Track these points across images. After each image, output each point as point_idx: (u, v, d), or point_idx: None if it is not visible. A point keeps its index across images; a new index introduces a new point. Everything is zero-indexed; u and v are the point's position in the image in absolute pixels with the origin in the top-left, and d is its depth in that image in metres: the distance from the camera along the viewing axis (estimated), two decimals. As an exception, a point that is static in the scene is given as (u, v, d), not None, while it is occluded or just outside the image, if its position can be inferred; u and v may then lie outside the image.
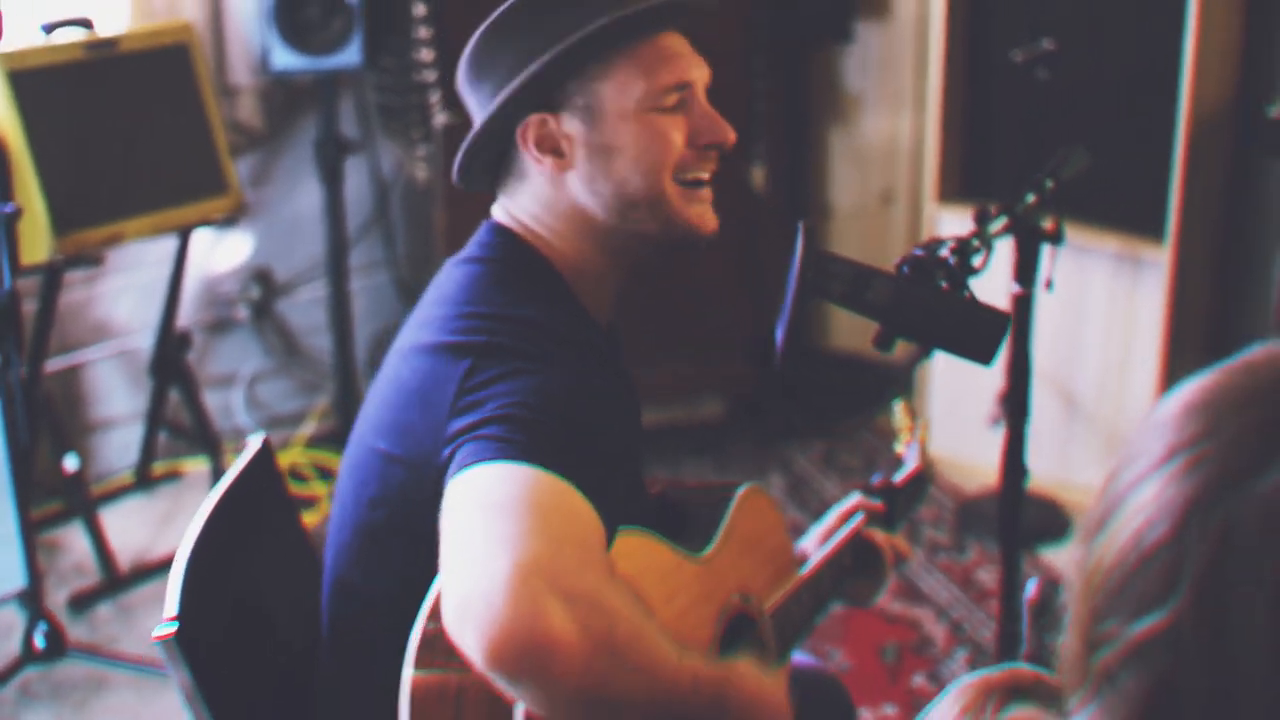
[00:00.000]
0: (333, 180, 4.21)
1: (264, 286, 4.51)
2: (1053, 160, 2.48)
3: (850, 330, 4.78)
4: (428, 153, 4.13)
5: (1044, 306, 3.96)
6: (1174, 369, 3.88)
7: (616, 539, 1.62)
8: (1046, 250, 2.46)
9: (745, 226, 4.24)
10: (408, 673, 1.54)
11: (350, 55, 4.03)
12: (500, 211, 1.88)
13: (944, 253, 1.94)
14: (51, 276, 3.64)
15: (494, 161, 1.87)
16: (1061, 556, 3.93)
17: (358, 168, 4.40)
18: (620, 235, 1.83)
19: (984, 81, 4.11)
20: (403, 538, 1.71)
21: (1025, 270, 2.44)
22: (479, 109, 1.84)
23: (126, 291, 4.23)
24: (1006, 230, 2.28)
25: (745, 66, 4.19)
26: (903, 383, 4.43)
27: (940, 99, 4.10)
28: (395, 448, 1.72)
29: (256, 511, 2.08)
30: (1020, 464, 2.68)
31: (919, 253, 1.95)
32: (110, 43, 3.63)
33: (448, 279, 1.83)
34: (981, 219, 2.19)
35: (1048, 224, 2.39)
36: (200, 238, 4.22)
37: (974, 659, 3.50)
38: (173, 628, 1.73)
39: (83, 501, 3.80)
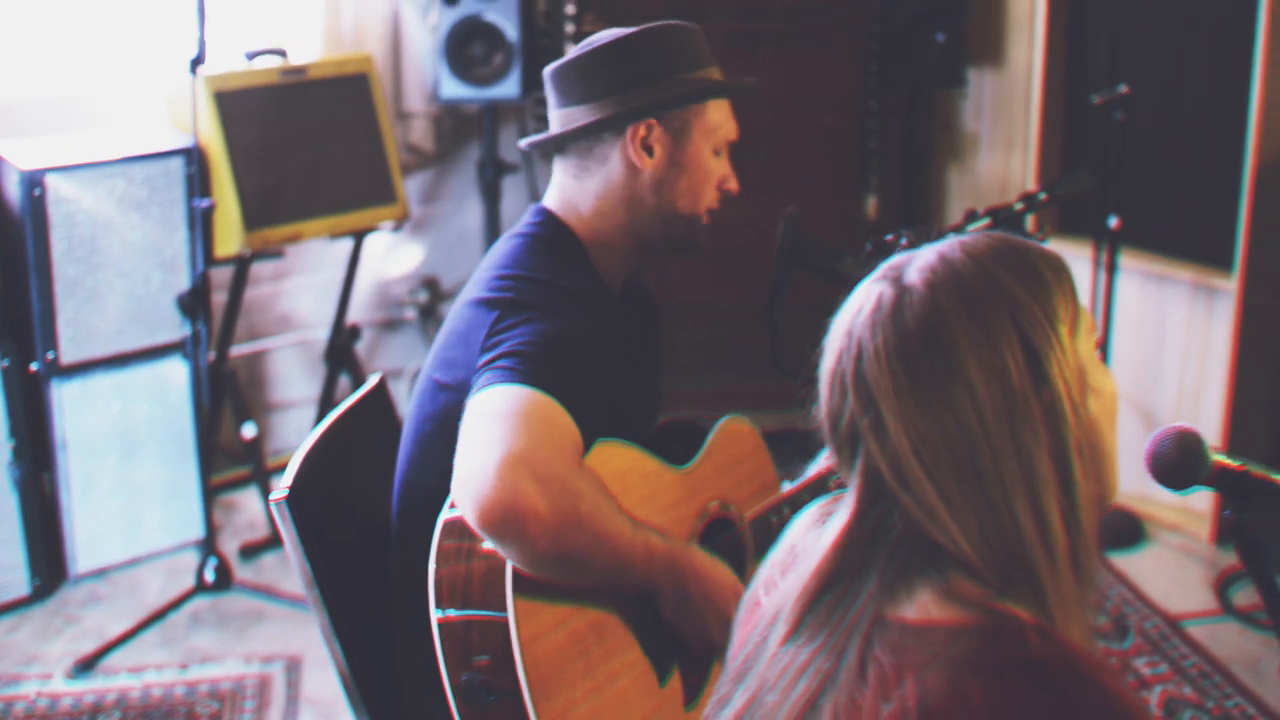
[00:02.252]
0: (492, 198, 4.76)
1: (431, 292, 5.07)
2: (1056, 178, 2.87)
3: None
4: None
5: (1126, 331, 4.32)
6: (1241, 392, 4.18)
7: (606, 446, 2.11)
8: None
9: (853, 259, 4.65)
10: (436, 543, 2.04)
11: (510, 87, 4.58)
12: (551, 196, 2.36)
13: (904, 240, 2.36)
14: (241, 267, 4.24)
15: (576, 145, 2.34)
16: (1134, 563, 4.25)
17: (516, 187, 4.94)
18: (653, 227, 2.33)
19: (1080, 124, 4.47)
20: (444, 444, 2.17)
21: None
22: (570, 101, 2.32)
23: (308, 290, 4.83)
24: (988, 229, 2.67)
25: (861, 108, 4.62)
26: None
27: (1038, 140, 4.48)
28: (445, 377, 2.23)
29: (368, 428, 2.59)
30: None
31: (888, 237, 2.38)
32: (301, 70, 4.23)
33: (498, 249, 2.34)
34: (968, 219, 2.61)
35: (1031, 225, 2.75)
36: (375, 245, 4.80)
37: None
38: (285, 493, 2.24)
39: (258, 465, 4.38)
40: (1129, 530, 4.36)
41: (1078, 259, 4.37)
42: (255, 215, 4.07)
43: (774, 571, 1.54)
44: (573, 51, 2.34)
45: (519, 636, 1.96)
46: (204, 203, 3.84)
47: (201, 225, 3.87)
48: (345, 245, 4.53)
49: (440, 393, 2.24)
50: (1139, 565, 4.23)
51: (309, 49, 4.59)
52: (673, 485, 2.24)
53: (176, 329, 4.06)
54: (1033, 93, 4.51)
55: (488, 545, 1.99)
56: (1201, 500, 4.32)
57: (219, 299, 4.32)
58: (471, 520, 1.95)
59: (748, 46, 4.53)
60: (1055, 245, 4.40)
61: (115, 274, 4.02)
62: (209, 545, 4.06)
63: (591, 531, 1.97)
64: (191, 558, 4.17)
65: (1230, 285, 4.12)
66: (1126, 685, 1.32)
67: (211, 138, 4.02)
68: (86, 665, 3.73)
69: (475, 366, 2.12)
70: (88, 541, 4.14)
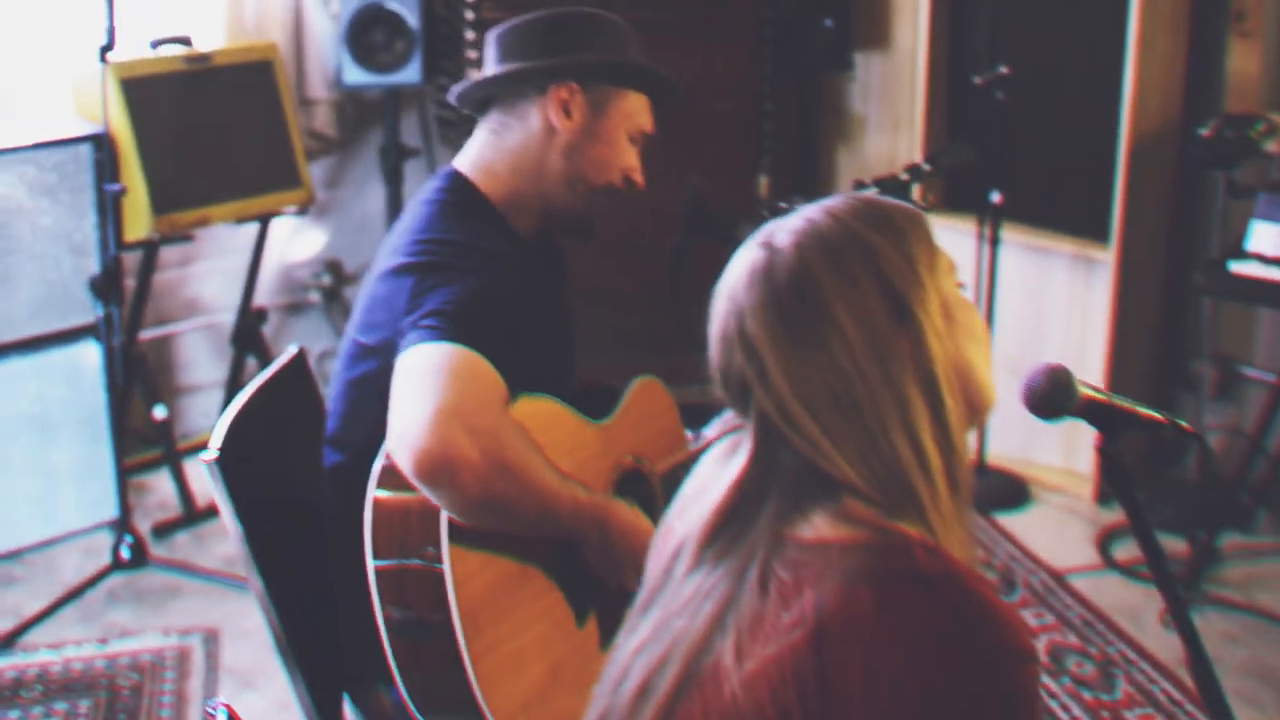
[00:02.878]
0: (394, 183, 4.86)
1: (335, 275, 5.17)
2: (938, 150, 3.04)
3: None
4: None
5: (1011, 301, 4.52)
6: (1119, 358, 4.40)
7: (531, 400, 2.24)
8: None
9: (750, 226, 4.83)
10: (372, 489, 2.16)
11: (411, 73, 4.68)
12: (464, 155, 2.48)
13: (796, 208, 2.52)
14: (149, 252, 4.31)
15: (494, 99, 2.47)
16: (1020, 522, 4.45)
17: (418, 172, 5.05)
18: (558, 192, 2.45)
19: (963, 104, 4.66)
20: (373, 402, 2.27)
21: None
22: (509, 59, 2.44)
23: (215, 274, 4.90)
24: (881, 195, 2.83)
25: (755, 92, 4.78)
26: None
27: (923, 120, 4.67)
28: (369, 339, 2.34)
29: (290, 396, 2.70)
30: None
31: (781, 204, 2.54)
32: (206, 57, 4.31)
33: (410, 214, 2.44)
34: (856, 188, 2.77)
35: (916, 194, 2.92)
36: (279, 229, 4.88)
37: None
38: (215, 454, 2.34)
39: (169, 446, 4.45)
40: (1014, 492, 4.57)
41: (963, 234, 4.56)
42: (163, 200, 4.15)
43: (681, 507, 1.67)
44: (521, 18, 2.48)
45: (453, 577, 2.08)
46: (114, 187, 3.91)
47: (111, 210, 3.94)
48: (251, 230, 4.60)
49: (366, 354, 2.35)
50: (1025, 524, 4.44)
51: (213, 37, 4.66)
52: (591, 439, 2.38)
53: (88, 312, 4.11)
54: (917, 75, 4.69)
55: (422, 493, 2.11)
56: (1084, 462, 4.54)
57: (128, 283, 4.38)
58: (407, 471, 2.07)
59: (645, 36, 4.66)
60: (942, 220, 4.62)
61: (27, 258, 4.07)
62: (124, 524, 4.13)
63: (520, 480, 2.10)
64: (106, 537, 4.23)
65: (1107, 257, 4.33)
66: (1008, 604, 1.48)
67: (119, 124, 4.09)
68: (6, 643, 3.79)
69: (400, 328, 2.24)
70: (3, 523, 4.18)
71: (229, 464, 2.37)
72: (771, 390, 1.49)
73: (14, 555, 4.22)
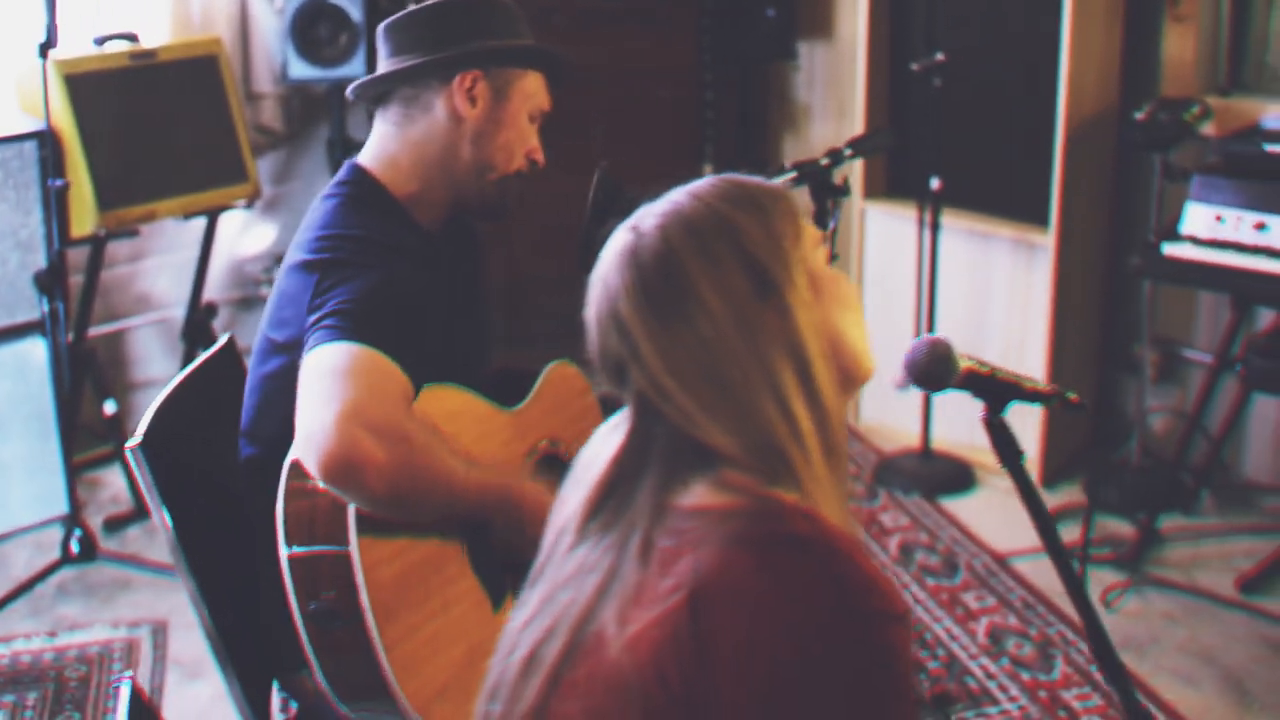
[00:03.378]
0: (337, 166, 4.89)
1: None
2: (861, 136, 3.08)
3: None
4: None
5: (954, 287, 4.56)
6: (1060, 342, 4.44)
7: (437, 390, 2.27)
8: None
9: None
10: (284, 480, 2.19)
11: (355, 66, 4.71)
12: (366, 150, 2.50)
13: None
14: (97, 247, 4.33)
15: (401, 94, 2.48)
16: (965, 506, 4.50)
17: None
18: (467, 180, 2.48)
19: (904, 93, 4.70)
20: (284, 397, 2.28)
21: (820, 217, 2.99)
22: (403, 52, 2.47)
23: (165, 270, 4.93)
24: (796, 181, 2.86)
25: (697, 80, 4.82)
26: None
27: (864, 108, 4.71)
28: (279, 335, 2.37)
29: (219, 384, 2.73)
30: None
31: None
32: (151, 53, 4.33)
33: (314, 210, 2.46)
34: (776, 172, 2.80)
35: (838, 180, 2.94)
36: (228, 224, 4.90)
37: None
38: (138, 440, 2.38)
39: (120, 442, 4.46)
40: (960, 476, 4.61)
41: (904, 219, 4.61)
42: (109, 195, 4.17)
43: (572, 483, 1.71)
44: (408, 9, 2.50)
45: (362, 566, 2.12)
46: (57, 183, 3.94)
47: (56, 205, 3.97)
48: (200, 225, 4.63)
49: (276, 350, 2.38)
50: (969, 508, 4.48)
51: (158, 32, 4.68)
52: (504, 426, 2.41)
53: (35, 308, 4.14)
54: (858, 63, 4.73)
55: (340, 495, 2.14)
56: (1030, 447, 4.58)
57: (77, 280, 4.41)
58: (315, 474, 2.10)
59: (584, 23, 4.72)
60: (883, 206, 4.67)
61: (-31, 255, 4.09)
62: (74, 518, 4.15)
63: (425, 474, 2.14)
64: (57, 532, 4.26)
65: (1047, 241, 4.37)
66: (878, 568, 1.52)
67: (64, 120, 4.11)
68: (-43, 637, 3.82)
69: (305, 327, 2.26)
70: (-48, 520, 4.22)
71: (154, 451, 2.40)
72: (645, 368, 1.53)
73: (-36, 551, 4.25)
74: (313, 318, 2.25)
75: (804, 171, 2.88)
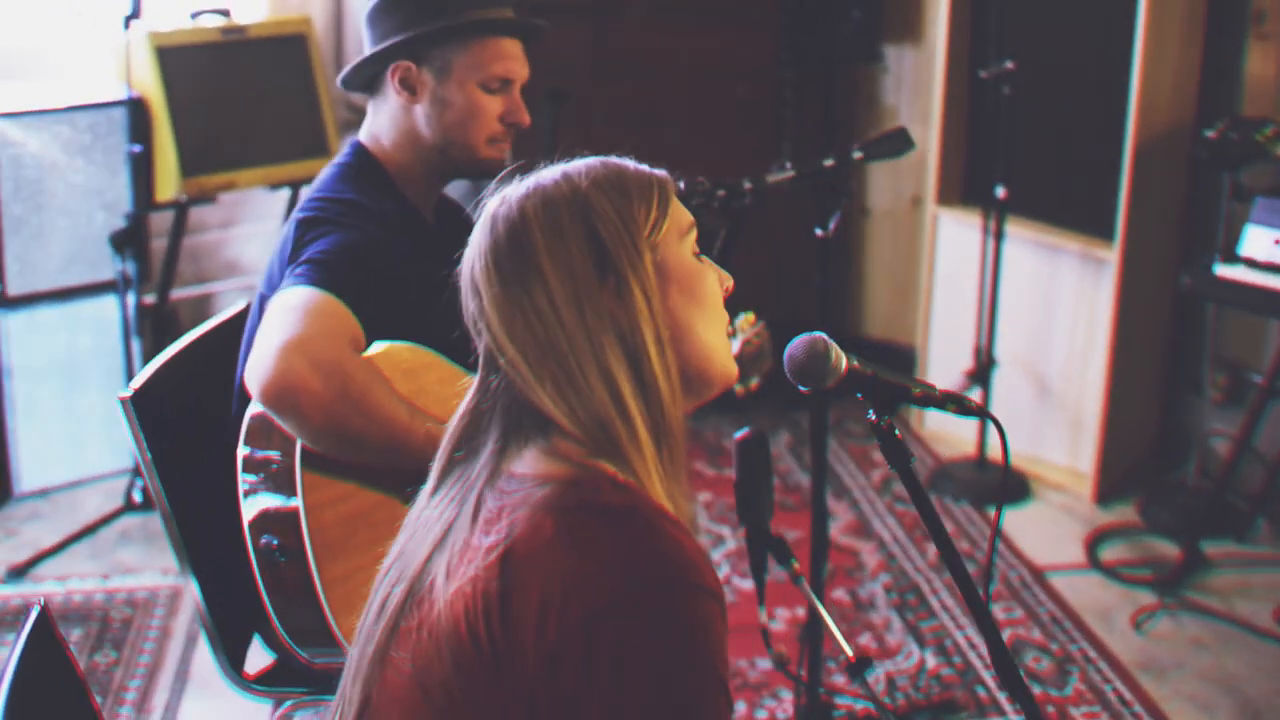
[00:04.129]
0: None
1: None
2: (873, 138, 3.09)
3: (885, 320, 5.39)
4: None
5: (1020, 299, 4.54)
6: (1122, 359, 4.39)
7: (400, 346, 2.38)
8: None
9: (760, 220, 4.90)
10: (246, 419, 2.33)
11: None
12: (364, 129, 2.63)
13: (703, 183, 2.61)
14: (179, 212, 4.52)
15: (370, 81, 2.64)
16: (1015, 517, 4.47)
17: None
18: (434, 156, 2.60)
19: (983, 99, 4.68)
20: None
21: (822, 217, 3.02)
22: (371, 44, 2.61)
23: (255, 238, 5.11)
24: (795, 181, 2.89)
25: (775, 80, 4.85)
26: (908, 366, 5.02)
27: (941, 114, 4.70)
28: (267, 289, 2.51)
29: (225, 344, 2.86)
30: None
31: (700, 180, 2.64)
32: (241, 29, 4.50)
33: (317, 178, 2.63)
34: (778, 169, 2.84)
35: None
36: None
37: (893, 585, 4.08)
38: (129, 393, 2.51)
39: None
40: (1015, 487, 4.59)
41: (969, 227, 4.59)
42: (192, 163, 4.34)
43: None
44: None
45: (304, 503, 2.24)
46: (136, 148, 4.12)
47: (136, 170, 4.15)
48: (286, 196, 4.80)
49: (265, 302, 2.51)
50: (1019, 520, 4.46)
51: (256, 10, 4.85)
52: (469, 386, 2.50)
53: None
54: (936, 68, 4.72)
55: (282, 425, 2.26)
56: (1086, 461, 4.54)
57: (163, 243, 4.60)
58: (256, 398, 2.23)
59: (661, 14, 4.77)
60: (949, 212, 4.64)
61: (60, 214, 4.30)
62: (139, 470, 4.34)
63: (364, 411, 2.24)
64: (120, 486, 4.46)
65: (1112, 256, 4.32)
66: (696, 544, 1.57)
67: (153, 90, 4.29)
68: (18, 572, 4.03)
69: (284, 276, 2.41)
70: (32, 462, 4.44)
71: (147, 404, 2.54)
72: (489, 328, 1.63)
73: (42, 493, 4.47)
74: (291, 266, 2.39)
75: (804, 171, 2.91)
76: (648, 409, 1.61)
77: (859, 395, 1.91)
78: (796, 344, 1.85)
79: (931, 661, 3.72)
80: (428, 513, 1.68)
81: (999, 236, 4.40)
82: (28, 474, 4.44)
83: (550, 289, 1.60)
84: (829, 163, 2.96)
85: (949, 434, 4.88)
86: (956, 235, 4.75)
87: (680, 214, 1.71)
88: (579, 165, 1.69)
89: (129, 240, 4.14)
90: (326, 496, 2.28)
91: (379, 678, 1.63)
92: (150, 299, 4.51)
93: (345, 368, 2.24)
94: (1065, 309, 4.55)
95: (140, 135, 4.23)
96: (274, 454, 2.32)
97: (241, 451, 2.35)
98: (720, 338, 1.72)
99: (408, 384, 2.34)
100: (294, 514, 2.26)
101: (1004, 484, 4.44)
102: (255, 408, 2.34)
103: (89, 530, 4.24)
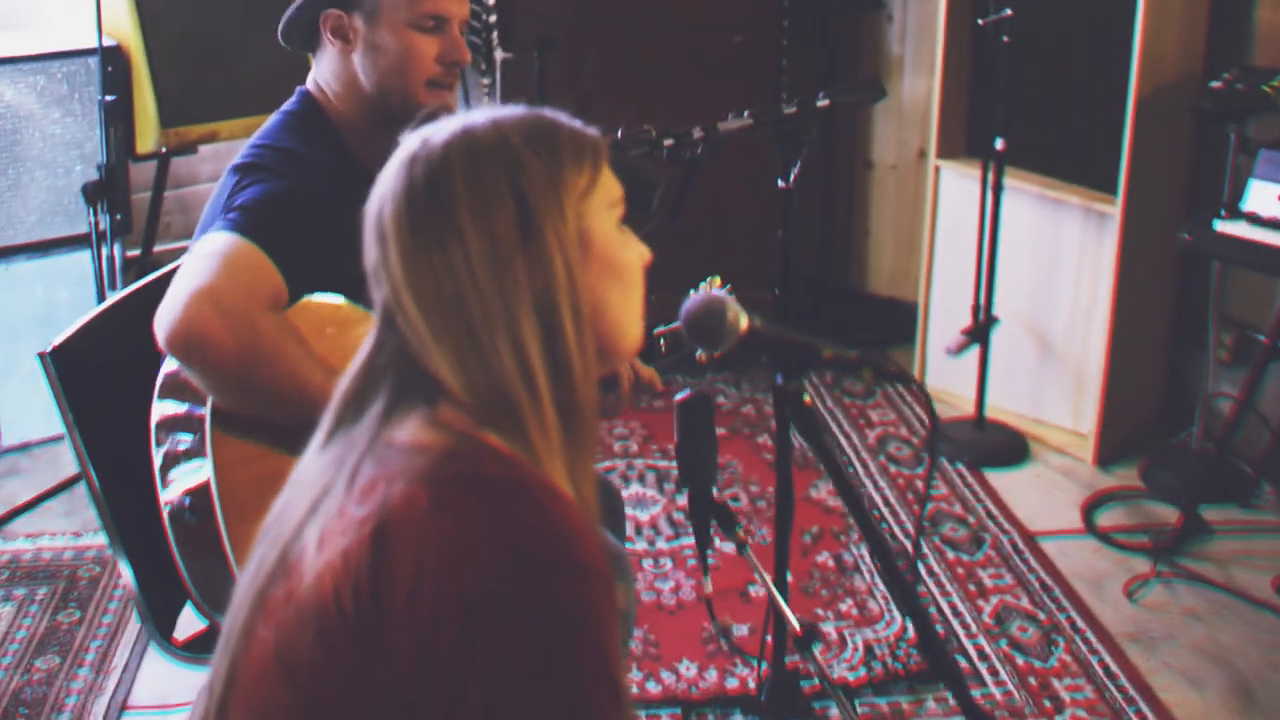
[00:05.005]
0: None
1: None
2: (843, 84, 2.96)
3: (890, 276, 5.26)
4: (490, 82, 4.78)
5: (1022, 253, 4.40)
6: (1125, 315, 4.25)
7: (326, 300, 2.30)
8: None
9: (763, 174, 4.76)
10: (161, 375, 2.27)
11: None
12: (310, 78, 2.54)
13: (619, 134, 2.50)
14: (161, 163, 4.44)
15: (307, 33, 2.54)
16: (1010, 479, 4.34)
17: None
18: (375, 102, 2.50)
19: (986, 49, 4.52)
20: None
21: (784, 167, 2.90)
22: None
23: (246, 189, 5.02)
24: (753, 129, 2.78)
25: (776, 30, 4.71)
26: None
27: (941, 63, 4.54)
28: (199, 237, 2.40)
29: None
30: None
31: (646, 128, 2.52)
32: (224, -26, 4.40)
33: (264, 124, 2.54)
34: (732, 116, 2.73)
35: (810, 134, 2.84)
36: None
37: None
38: (49, 349, 2.44)
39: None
40: (1013, 449, 4.46)
41: (971, 180, 4.44)
42: (172, 113, 4.26)
43: None
44: None
45: (214, 461, 2.16)
46: (107, 98, 4.03)
47: (110, 121, 4.07)
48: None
49: None
50: (1014, 482, 4.33)
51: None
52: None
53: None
54: (938, 16, 4.56)
55: (189, 376, 2.19)
56: (1088, 423, 4.40)
57: (144, 196, 4.52)
58: (162, 345, 2.16)
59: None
60: (948, 164, 4.49)
61: (37, 165, 4.23)
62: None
63: (273, 365, 2.16)
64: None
65: (1115, 210, 4.17)
66: (585, 523, 1.47)
67: (131, 37, 4.21)
68: (-11, 529, 4.00)
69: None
70: (11, 417, 4.39)
71: (69, 361, 2.46)
72: (391, 279, 1.52)
73: (22, 448, 4.42)
74: (223, 211, 2.32)
75: (763, 119, 2.79)
76: (557, 384, 1.51)
77: (762, 358, 1.80)
78: (693, 301, 1.74)
79: (913, 629, 3.60)
80: (311, 471, 1.57)
81: (998, 189, 4.26)
82: (8, 429, 4.39)
83: (467, 247, 1.48)
84: (790, 110, 2.84)
85: (949, 393, 4.74)
86: (959, 188, 4.60)
87: (610, 182, 1.60)
88: (510, 115, 1.57)
89: (102, 192, 4.06)
90: (238, 455, 2.20)
91: (245, 651, 1.54)
92: (135, 252, 4.45)
93: (256, 320, 2.15)
94: (1068, 265, 4.40)
95: (118, 85, 4.15)
96: (186, 409, 2.24)
97: (156, 407, 2.27)
98: (635, 312, 1.62)
99: (331, 340, 2.25)
100: (203, 472, 2.18)
101: (930, 449, 4.31)
102: (171, 363, 2.26)
103: (64, 486, 4.18)
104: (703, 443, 2.53)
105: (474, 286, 1.48)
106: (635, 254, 1.62)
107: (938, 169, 4.65)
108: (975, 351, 4.38)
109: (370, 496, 1.46)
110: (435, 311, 1.49)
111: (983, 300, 4.35)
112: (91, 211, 4.08)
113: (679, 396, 2.51)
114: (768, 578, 2.54)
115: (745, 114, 2.79)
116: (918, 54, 4.99)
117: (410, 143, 1.56)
